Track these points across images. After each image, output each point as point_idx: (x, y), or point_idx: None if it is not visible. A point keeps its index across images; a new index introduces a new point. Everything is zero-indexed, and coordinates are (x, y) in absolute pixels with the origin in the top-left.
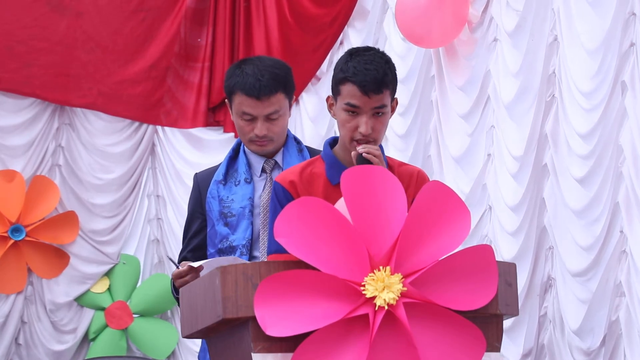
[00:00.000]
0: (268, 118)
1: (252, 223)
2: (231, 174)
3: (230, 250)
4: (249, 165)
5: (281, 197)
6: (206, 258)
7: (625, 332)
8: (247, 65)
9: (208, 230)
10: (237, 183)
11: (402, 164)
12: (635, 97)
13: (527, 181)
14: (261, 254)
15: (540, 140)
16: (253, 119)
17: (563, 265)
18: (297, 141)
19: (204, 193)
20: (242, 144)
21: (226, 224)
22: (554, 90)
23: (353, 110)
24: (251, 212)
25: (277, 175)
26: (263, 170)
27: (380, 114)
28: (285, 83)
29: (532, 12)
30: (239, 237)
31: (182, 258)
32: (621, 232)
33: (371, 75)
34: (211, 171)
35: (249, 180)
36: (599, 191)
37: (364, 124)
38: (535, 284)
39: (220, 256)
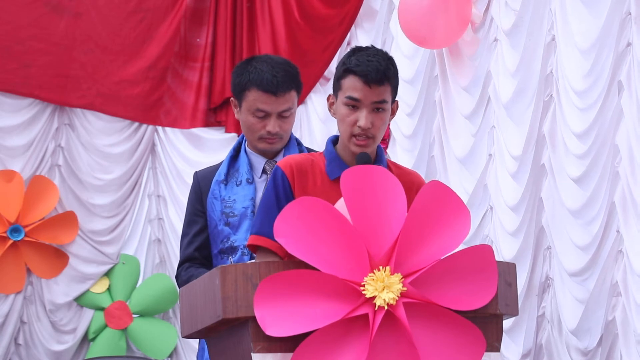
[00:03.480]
0: (281, 115)
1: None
2: (232, 173)
3: (231, 251)
4: (250, 165)
5: (278, 179)
6: (211, 257)
7: (622, 332)
8: (259, 63)
9: (211, 230)
10: (238, 183)
11: (400, 167)
12: (631, 97)
13: (526, 181)
14: None
15: (539, 140)
16: (266, 116)
17: (561, 265)
18: (298, 142)
19: (205, 192)
20: (243, 144)
21: (227, 224)
22: (552, 90)
23: (353, 104)
24: (253, 212)
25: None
26: (264, 171)
27: (380, 109)
28: (297, 81)
29: (530, 12)
30: (240, 238)
31: (189, 256)
32: (617, 232)
33: (373, 66)
34: (212, 170)
35: (251, 181)
36: (596, 191)
37: (363, 117)
38: (534, 283)
39: (222, 256)
